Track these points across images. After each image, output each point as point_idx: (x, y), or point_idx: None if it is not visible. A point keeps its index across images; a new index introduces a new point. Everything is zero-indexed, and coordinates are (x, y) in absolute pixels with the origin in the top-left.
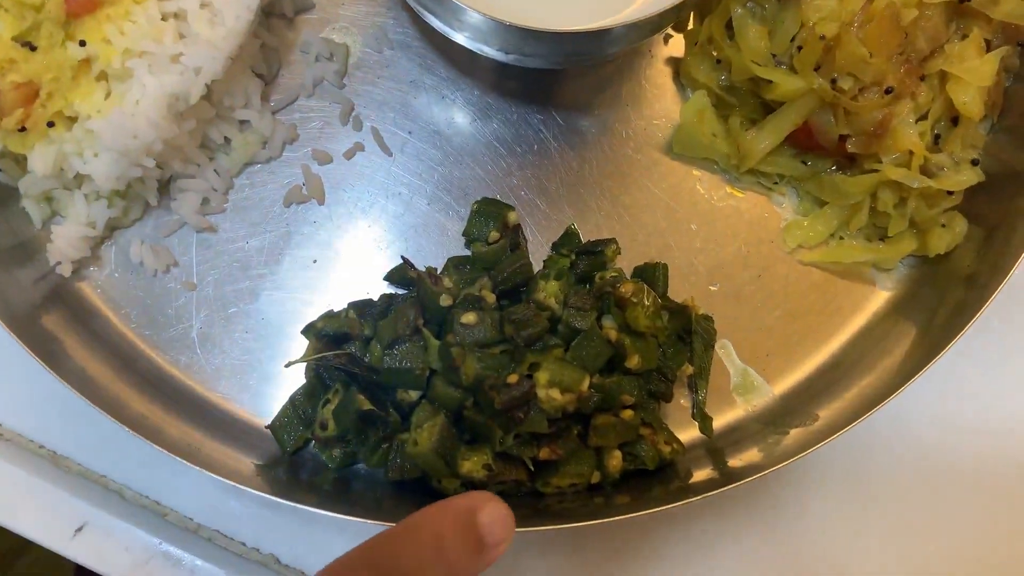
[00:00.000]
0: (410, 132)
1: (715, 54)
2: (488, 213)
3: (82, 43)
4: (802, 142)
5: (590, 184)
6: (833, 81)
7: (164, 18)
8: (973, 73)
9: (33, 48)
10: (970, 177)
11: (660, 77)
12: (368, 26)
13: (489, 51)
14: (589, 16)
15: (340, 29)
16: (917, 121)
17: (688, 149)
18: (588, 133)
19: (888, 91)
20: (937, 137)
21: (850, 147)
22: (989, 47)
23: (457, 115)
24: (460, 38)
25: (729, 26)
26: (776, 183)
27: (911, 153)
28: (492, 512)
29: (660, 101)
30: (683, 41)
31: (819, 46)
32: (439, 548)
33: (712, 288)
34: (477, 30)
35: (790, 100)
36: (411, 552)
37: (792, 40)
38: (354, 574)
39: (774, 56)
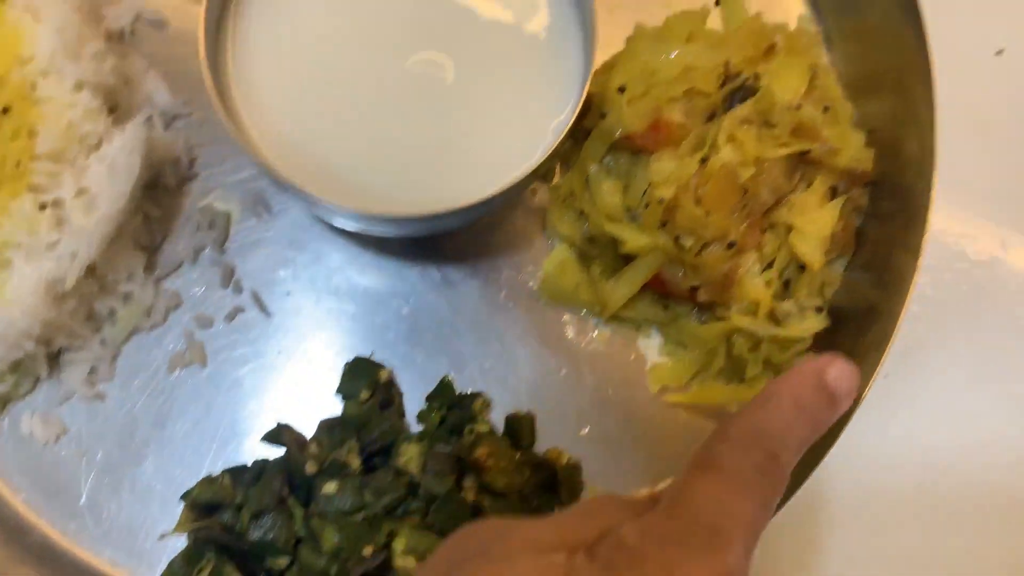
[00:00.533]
0: (288, 292)
1: (578, 206)
2: (360, 371)
3: None
4: (659, 289)
5: (465, 334)
6: (677, 238)
7: (42, 207)
8: (813, 224)
9: None
10: (815, 324)
11: (530, 227)
12: (248, 192)
13: (355, 227)
14: (438, 198)
15: (222, 196)
16: (764, 270)
17: (554, 298)
18: (463, 284)
19: (731, 245)
20: (787, 283)
21: (700, 297)
22: (835, 193)
23: (335, 274)
24: (320, 213)
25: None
26: (640, 327)
27: (758, 302)
28: (838, 369)
29: (529, 250)
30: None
31: (660, 208)
32: (800, 408)
33: (582, 432)
34: (333, 213)
35: (641, 254)
36: (777, 417)
37: (643, 195)
38: (744, 449)
39: (629, 210)
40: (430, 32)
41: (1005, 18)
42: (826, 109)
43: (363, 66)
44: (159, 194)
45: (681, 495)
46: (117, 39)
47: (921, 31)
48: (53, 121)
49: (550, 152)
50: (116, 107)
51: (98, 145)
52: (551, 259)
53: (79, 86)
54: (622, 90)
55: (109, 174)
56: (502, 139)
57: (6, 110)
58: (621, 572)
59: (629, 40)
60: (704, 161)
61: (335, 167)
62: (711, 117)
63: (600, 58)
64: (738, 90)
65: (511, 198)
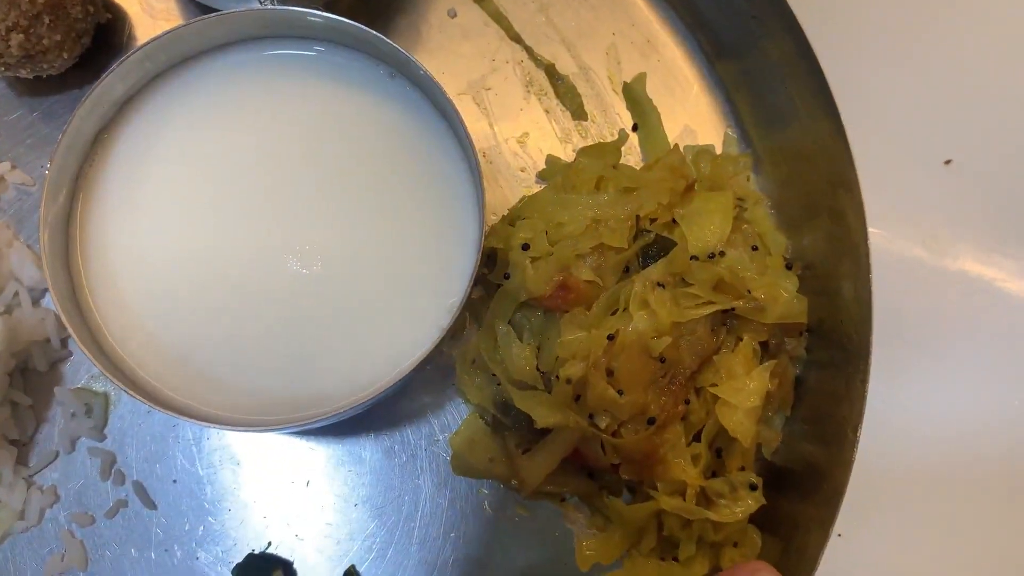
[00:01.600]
0: (175, 480)
1: (489, 369)
2: (253, 569)
3: None
4: (582, 464)
5: (372, 515)
6: (591, 417)
7: None
8: (739, 394)
9: None
10: (749, 505)
11: (440, 391)
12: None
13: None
14: (320, 394)
15: (99, 376)
16: (691, 443)
17: (467, 473)
18: (368, 458)
19: (651, 422)
20: (719, 451)
21: (623, 474)
22: (768, 348)
23: (216, 456)
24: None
25: None
26: (564, 500)
27: (685, 483)
28: None
29: (440, 417)
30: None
31: (569, 387)
32: None
33: None
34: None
35: (556, 430)
36: None
37: (556, 360)
38: None
39: (544, 374)
40: (308, 212)
41: (949, 126)
42: (755, 248)
43: (232, 259)
44: (29, 379)
45: None
46: None
47: (845, 142)
48: None
49: (443, 333)
50: None
51: None
52: (459, 434)
53: None
54: (526, 247)
55: None
56: (393, 329)
57: None
58: None
59: (532, 198)
60: (612, 337)
61: (207, 367)
62: (625, 271)
63: (504, 204)
64: (651, 245)
65: (403, 385)
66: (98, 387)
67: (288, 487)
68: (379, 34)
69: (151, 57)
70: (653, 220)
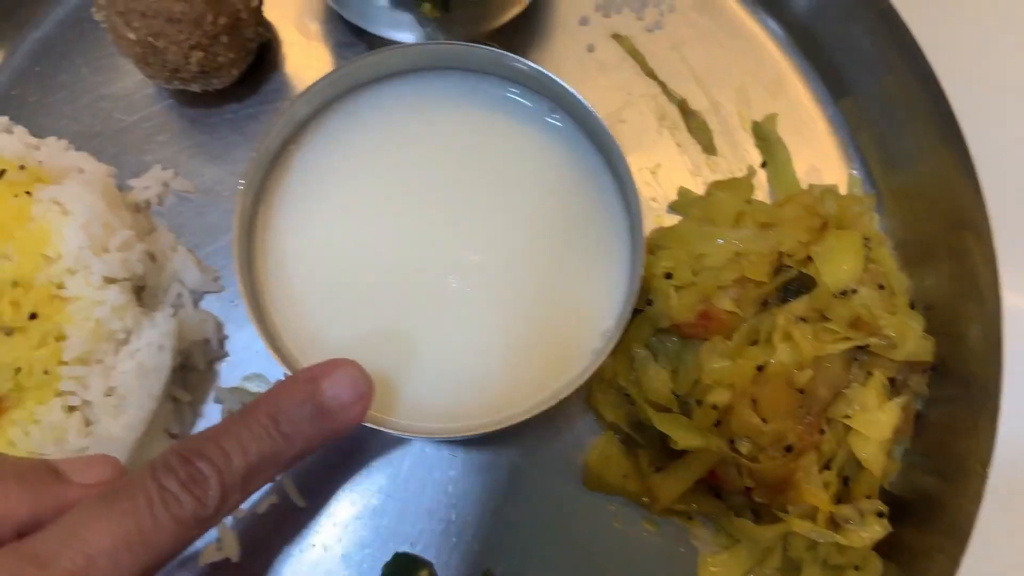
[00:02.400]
0: (325, 479)
1: (624, 390)
2: (401, 569)
3: None
4: (712, 483)
5: (505, 524)
6: (732, 442)
7: (70, 410)
8: (872, 427)
9: None
10: (875, 533)
11: (573, 408)
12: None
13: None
14: (479, 409)
15: (254, 377)
16: (823, 470)
17: (599, 488)
18: (504, 469)
19: (788, 449)
20: (847, 479)
21: (756, 497)
22: (894, 384)
23: (364, 457)
24: None
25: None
26: (691, 518)
27: (817, 508)
28: (338, 377)
29: (572, 432)
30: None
31: (714, 412)
32: (273, 423)
33: None
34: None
35: (693, 451)
36: (236, 431)
37: (694, 384)
38: (162, 460)
39: (679, 397)
40: (468, 234)
41: None
42: (881, 287)
43: (396, 273)
44: (188, 377)
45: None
46: (143, 211)
47: (976, 183)
48: (81, 322)
49: (597, 356)
50: (143, 287)
51: (126, 340)
52: (595, 449)
53: (107, 281)
54: (669, 276)
55: (138, 374)
56: (545, 350)
57: (33, 316)
58: None
59: (672, 229)
60: (760, 368)
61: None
62: (763, 304)
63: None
64: (792, 281)
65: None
66: (252, 387)
67: (430, 491)
68: (543, 69)
69: (334, 83)
70: (790, 267)
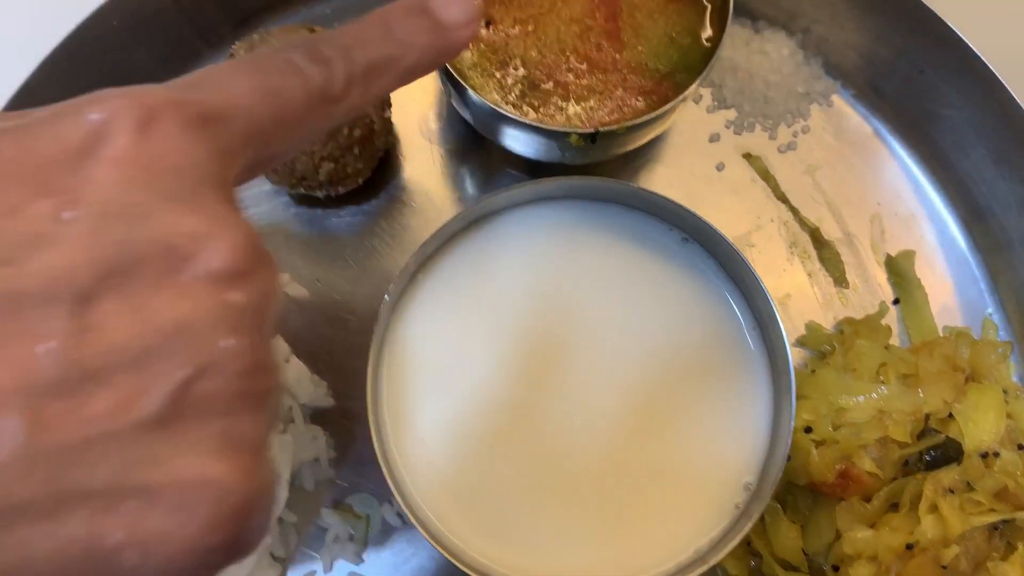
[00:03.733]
0: None
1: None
2: None
3: None
4: None
5: None
6: None
7: None
8: None
9: None
10: None
11: None
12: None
13: None
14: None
15: (362, 501)
16: None
17: None
18: None
19: None
20: None
21: None
22: None
23: None
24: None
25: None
26: None
27: None
28: None
29: None
30: None
31: None
32: (386, 27)
33: None
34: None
35: None
36: (351, 30)
37: (829, 549)
38: (282, 55)
39: (808, 555)
40: (603, 373)
41: None
42: (1020, 447)
43: (524, 411)
44: (295, 497)
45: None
46: None
47: None
48: None
49: (739, 511)
50: None
51: None
52: None
53: None
54: (808, 430)
55: None
56: (682, 503)
57: None
58: None
59: (812, 378)
60: (910, 547)
61: (493, 516)
62: (904, 463)
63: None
64: (937, 447)
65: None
66: (360, 510)
67: None
68: (679, 203)
69: (483, 206)
70: (936, 430)
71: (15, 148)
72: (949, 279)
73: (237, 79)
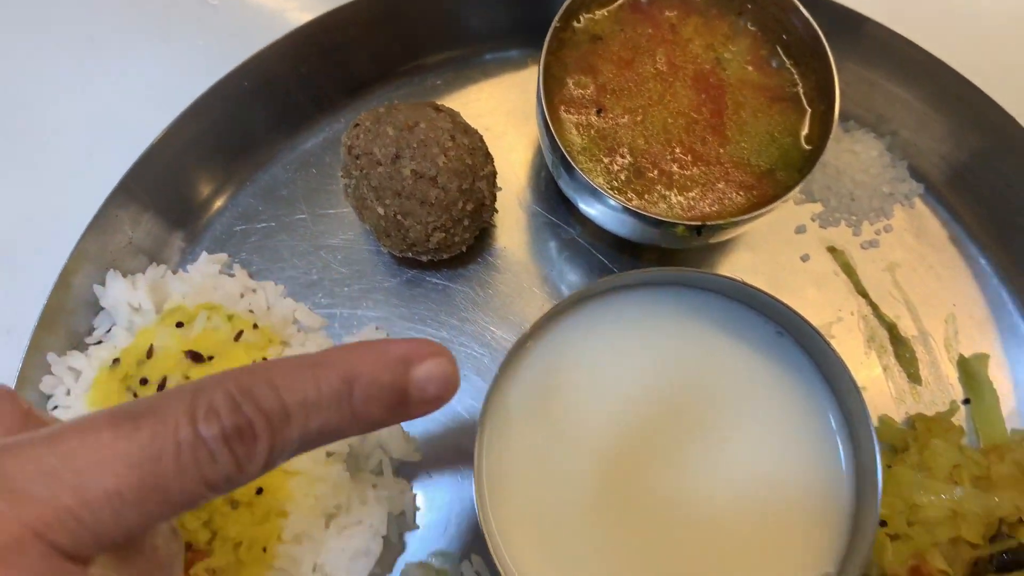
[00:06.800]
0: None
1: None
2: None
3: None
4: None
5: None
6: None
7: None
8: None
9: None
10: None
11: None
12: (470, 560)
13: None
14: None
15: (440, 554)
16: None
17: None
18: None
19: None
20: None
21: None
22: None
23: None
24: None
25: None
26: None
27: None
28: (432, 368)
29: None
30: None
31: None
32: (346, 393)
33: None
34: None
35: None
36: (303, 387)
37: None
38: (207, 396)
39: None
40: (684, 458)
41: None
42: None
43: (615, 487)
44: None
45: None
46: None
47: None
48: (301, 499)
49: None
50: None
51: (336, 514)
52: None
53: (328, 455)
54: (883, 523)
55: (350, 556)
56: None
57: (260, 491)
58: None
59: (888, 474)
60: None
61: None
62: (974, 563)
63: None
64: (1009, 551)
65: None
66: (438, 563)
67: None
68: (776, 298)
69: (592, 287)
70: (1009, 535)
71: None
72: (1020, 384)
73: (104, 463)
